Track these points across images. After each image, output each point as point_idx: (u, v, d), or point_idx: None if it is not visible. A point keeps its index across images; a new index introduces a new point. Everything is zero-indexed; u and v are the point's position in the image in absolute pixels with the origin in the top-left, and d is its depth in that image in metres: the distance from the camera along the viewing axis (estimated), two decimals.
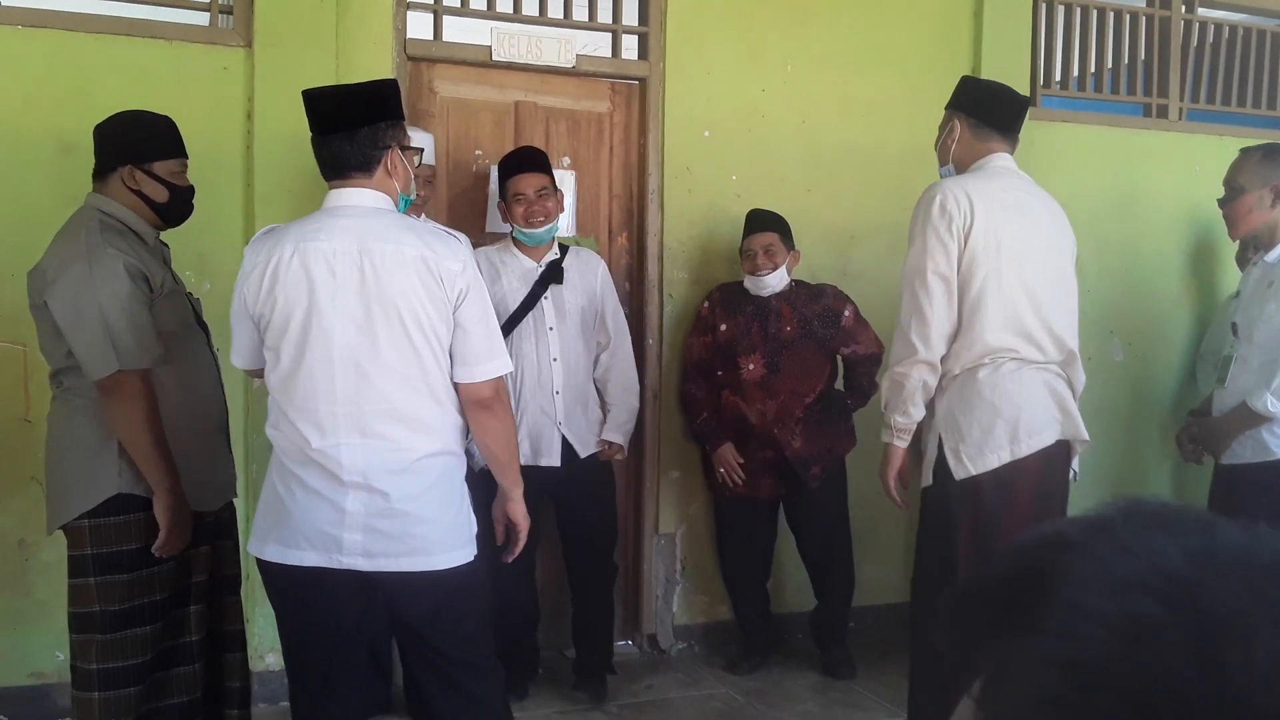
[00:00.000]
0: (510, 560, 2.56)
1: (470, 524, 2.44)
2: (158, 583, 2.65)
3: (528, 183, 3.58)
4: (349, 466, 2.27)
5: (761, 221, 4.07)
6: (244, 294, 2.35)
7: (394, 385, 2.28)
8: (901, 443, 2.89)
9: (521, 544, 2.56)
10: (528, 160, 3.63)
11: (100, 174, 2.76)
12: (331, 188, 2.38)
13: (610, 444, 3.83)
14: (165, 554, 2.64)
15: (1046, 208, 2.94)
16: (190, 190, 2.85)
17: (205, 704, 2.81)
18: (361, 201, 2.33)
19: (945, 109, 3.05)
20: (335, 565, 2.31)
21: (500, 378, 2.40)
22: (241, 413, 3.67)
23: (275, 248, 2.30)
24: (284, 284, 2.27)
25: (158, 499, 2.60)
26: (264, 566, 2.40)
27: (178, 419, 2.66)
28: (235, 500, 3.00)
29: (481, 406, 2.37)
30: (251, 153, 3.69)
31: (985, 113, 2.95)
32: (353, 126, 2.31)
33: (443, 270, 2.28)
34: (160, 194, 2.76)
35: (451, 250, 2.32)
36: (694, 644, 4.40)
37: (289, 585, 2.38)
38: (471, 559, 2.41)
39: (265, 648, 3.71)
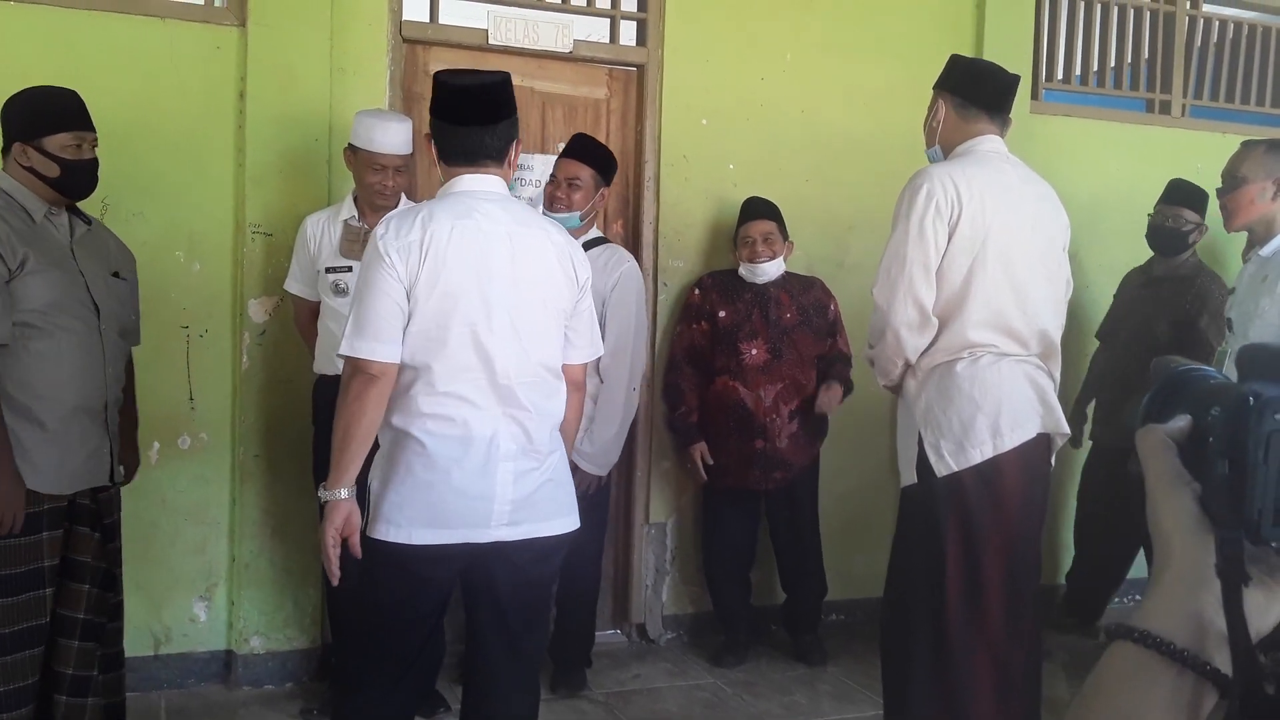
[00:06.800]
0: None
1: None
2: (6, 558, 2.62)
3: (561, 168, 3.62)
4: (506, 436, 2.34)
5: (759, 209, 4.08)
6: (396, 274, 2.27)
7: (539, 361, 2.40)
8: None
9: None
10: (574, 147, 3.67)
11: (4, 150, 2.77)
12: (457, 173, 2.39)
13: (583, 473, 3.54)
14: None
15: (1038, 192, 2.84)
16: (90, 164, 2.80)
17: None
18: (495, 189, 2.41)
19: (933, 89, 2.96)
20: (482, 540, 2.34)
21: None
22: (229, 398, 3.66)
23: (428, 224, 2.28)
24: (445, 262, 2.28)
25: None
26: (396, 550, 2.31)
27: (34, 398, 2.63)
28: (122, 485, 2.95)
29: (576, 387, 2.56)
30: (243, 132, 3.66)
31: (971, 92, 2.84)
32: (494, 119, 2.39)
33: (575, 261, 2.46)
34: (51, 169, 2.73)
35: (576, 244, 2.53)
36: (683, 634, 4.39)
37: (423, 565, 2.33)
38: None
39: (250, 630, 3.70)
